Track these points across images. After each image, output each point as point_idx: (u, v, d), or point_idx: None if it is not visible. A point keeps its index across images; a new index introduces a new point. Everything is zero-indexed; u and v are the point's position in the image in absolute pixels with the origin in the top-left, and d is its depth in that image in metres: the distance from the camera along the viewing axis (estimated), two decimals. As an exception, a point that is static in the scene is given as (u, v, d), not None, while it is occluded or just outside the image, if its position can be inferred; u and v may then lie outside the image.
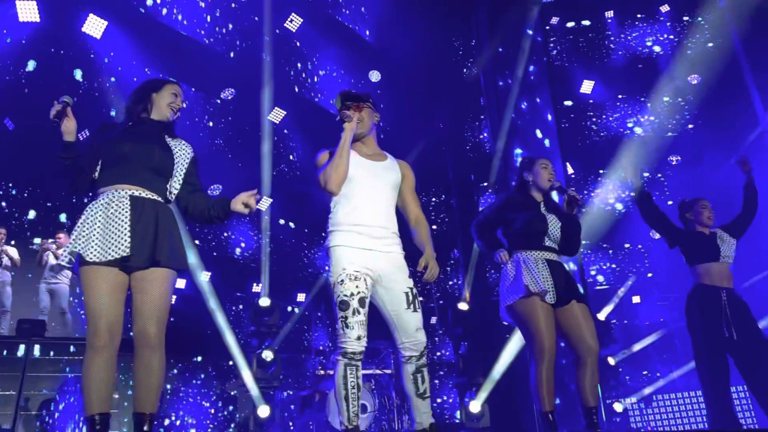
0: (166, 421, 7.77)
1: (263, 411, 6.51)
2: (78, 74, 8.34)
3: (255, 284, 8.19)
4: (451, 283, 10.71)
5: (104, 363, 2.51)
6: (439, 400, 9.91)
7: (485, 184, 9.86)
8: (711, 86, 9.58)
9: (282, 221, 9.27)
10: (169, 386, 7.95)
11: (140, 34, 7.97)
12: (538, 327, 3.48)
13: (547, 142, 9.86)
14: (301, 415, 7.09)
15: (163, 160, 2.77)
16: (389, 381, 7.16)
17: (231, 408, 8.00)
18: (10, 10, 7.11)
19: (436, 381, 10.08)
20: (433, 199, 10.95)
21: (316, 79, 9.76)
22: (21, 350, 5.42)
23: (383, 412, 7.00)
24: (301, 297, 8.90)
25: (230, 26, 9.07)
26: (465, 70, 10.64)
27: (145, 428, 2.55)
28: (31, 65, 7.91)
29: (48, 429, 5.29)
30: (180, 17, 8.62)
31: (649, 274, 9.23)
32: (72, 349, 5.67)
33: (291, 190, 8.83)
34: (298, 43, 9.47)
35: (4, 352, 5.38)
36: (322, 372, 7.11)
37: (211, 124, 8.98)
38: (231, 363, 7.31)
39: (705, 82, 9.69)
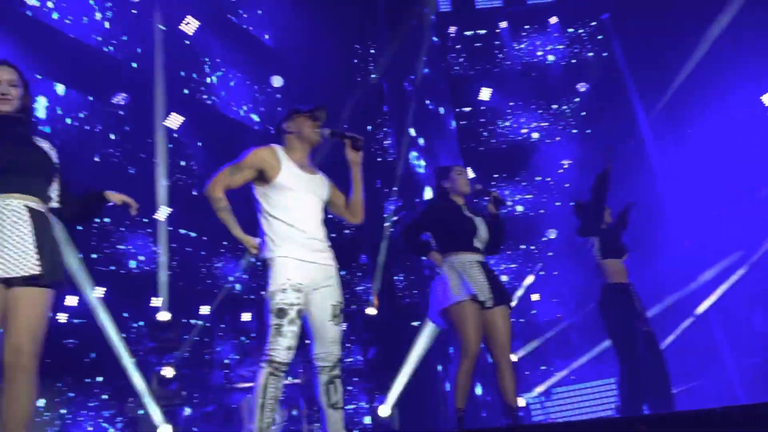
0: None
1: (164, 431, 6.27)
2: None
3: (153, 298, 7.85)
4: (359, 288, 10.73)
5: None
6: (353, 406, 9.88)
7: (395, 188, 9.98)
8: (596, 93, 10.19)
9: (182, 231, 8.94)
10: (65, 411, 7.44)
11: (25, 37, 7.40)
12: (468, 330, 3.59)
13: (421, 140, 10.10)
14: (207, 432, 6.90)
15: (40, 162, 2.55)
16: (297, 391, 7.08)
17: (130, 430, 7.60)
18: None
19: (350, 387, 10.04)
20: (343, 205, 10.91)
21: (209, 81, 9.49)
22: None
23: (293, 422, 6.92)
24: (204, 310, 8.62)
25: (124, 35, 8.69)
26: (372, 76, 10.72)
27: None
28: None
29: None
30: (68, 20, 8.13)
31: (541, 273, 9.66)
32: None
33: (189, 198, 8.52)
34: (187, 42, 9.16)
35: None
36: (227, 386, 6.93)
37: (98, 128, 8.50)
38: (132, 382, 6.95)
39: (590, 90, 10.31)
